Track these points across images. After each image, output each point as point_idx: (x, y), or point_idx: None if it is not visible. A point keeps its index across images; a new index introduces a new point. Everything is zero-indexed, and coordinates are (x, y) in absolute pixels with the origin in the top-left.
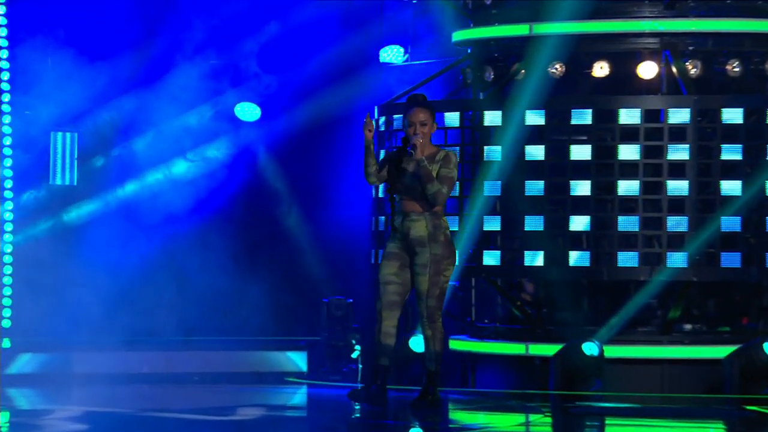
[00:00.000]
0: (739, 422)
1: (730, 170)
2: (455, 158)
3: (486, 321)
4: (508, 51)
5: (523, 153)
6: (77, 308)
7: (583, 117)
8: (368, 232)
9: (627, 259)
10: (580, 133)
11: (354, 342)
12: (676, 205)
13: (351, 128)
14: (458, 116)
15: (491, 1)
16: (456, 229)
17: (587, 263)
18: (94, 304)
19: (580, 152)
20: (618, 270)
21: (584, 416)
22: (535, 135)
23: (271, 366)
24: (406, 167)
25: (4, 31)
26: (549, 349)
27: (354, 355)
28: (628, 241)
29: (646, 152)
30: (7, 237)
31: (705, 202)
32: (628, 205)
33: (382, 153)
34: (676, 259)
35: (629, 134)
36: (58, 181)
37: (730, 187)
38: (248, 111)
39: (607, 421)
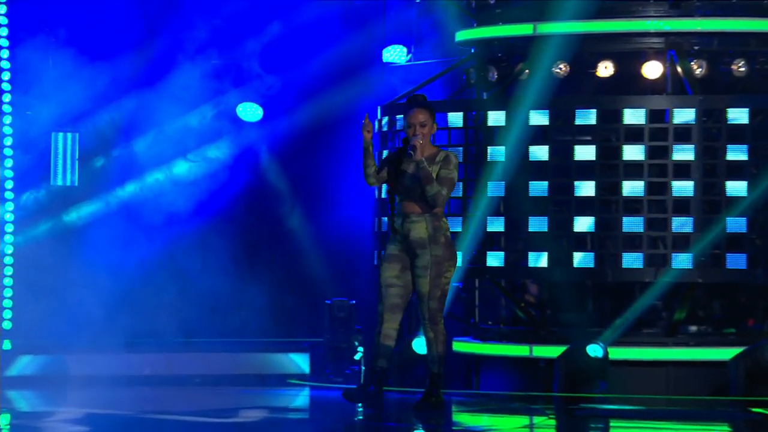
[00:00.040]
0: (744, 424)
1: (736, 171)
2: (455, 159)
3: (490, 323)
4: (511, 51)
5: (526, 153)
6: (78, 310)
7: (588, 117)
8: (371, 232)
9: (632, 260)
10: (585, 134)
11: (357, 344)
12: (681, 206)
13: (353, 129)
14: (462, 116)
15: (495, 1)
16: (459, 229)
17: (591, 264)
18: (95, 306)
19: (585, 153)
20: (623, 271)
21: (589, 418)
22: (539, 135)
23: (273, 368)
24: (406, 168)
25: (4, 31)
26: (553, 351)
27: (357, 356)
28: (632, 242)
29: (651, 153)
30: (8, 238)
31: (710, 203)
32: (632, 205)
33: (385, 153)
34: (681, 261)
35: (634, 134)
36: (59, 182)
37: (736, 187)
38: (250, 111)
39: (611, 424)
